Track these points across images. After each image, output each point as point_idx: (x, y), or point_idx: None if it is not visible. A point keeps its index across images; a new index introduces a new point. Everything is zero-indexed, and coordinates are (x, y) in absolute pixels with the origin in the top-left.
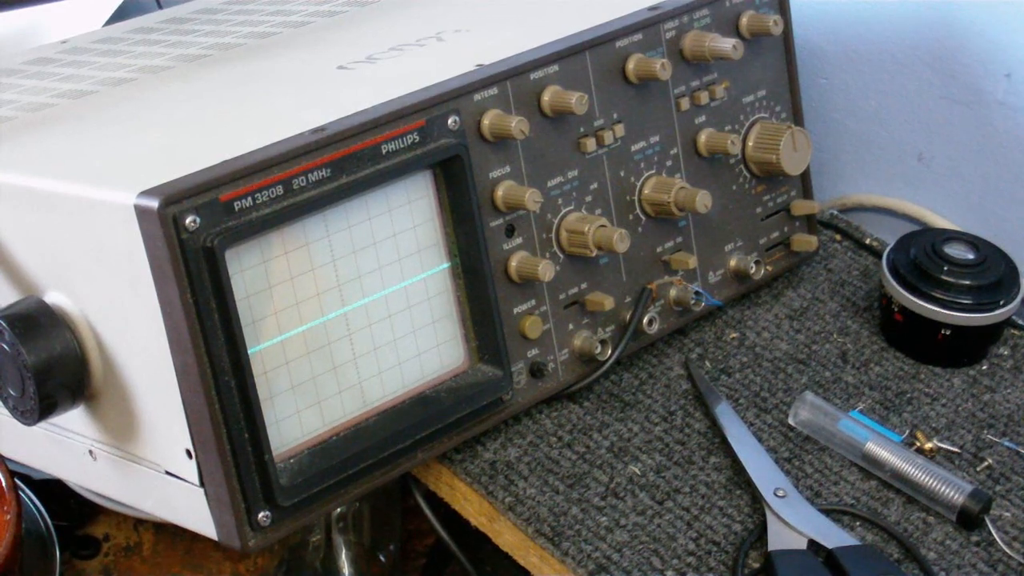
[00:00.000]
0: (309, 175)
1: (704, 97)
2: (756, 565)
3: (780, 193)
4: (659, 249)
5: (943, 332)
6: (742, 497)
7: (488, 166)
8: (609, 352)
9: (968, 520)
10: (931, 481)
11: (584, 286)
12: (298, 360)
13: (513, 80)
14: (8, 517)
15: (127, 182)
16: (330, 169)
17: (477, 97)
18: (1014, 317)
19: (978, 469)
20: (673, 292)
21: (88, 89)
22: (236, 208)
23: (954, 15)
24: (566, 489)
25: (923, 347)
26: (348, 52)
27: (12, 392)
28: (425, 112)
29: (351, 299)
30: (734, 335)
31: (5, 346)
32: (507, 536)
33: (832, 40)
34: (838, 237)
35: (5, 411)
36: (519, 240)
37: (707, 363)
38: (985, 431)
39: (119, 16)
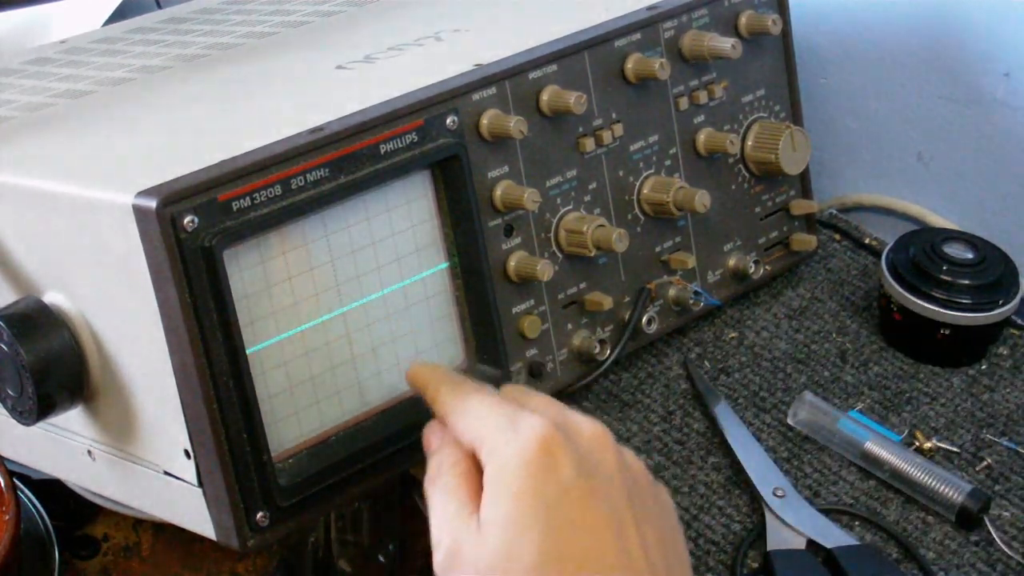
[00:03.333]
0: (307, 175)
1: (703, 97)
2: (755, 565)
3: (779, 193)
4: (658, 249)
5: (942, 332)
6: (741, 497)
7: (487, 166)
8: (608, 352)
9: (967, 520)
10: (930, 481)
11: (583, 286)
12: (296, 360)
13: (512, 80)
14: (7, 517)
15: (125, 182)
16: (328, 169)
17: (476, 97)
18: (1013, 317)
19: (977, 469)
20: (672, 292)
21: (87, 89)
22: (234, 208)
23: (953, 15)
24: None
25: (922, 347)
26: (346, 52)
27: (11, 392)
28: (423, 112)
29: (349, 299)
30: (733, 335)
31: (3, 346)
32: None
33: (832, 40)
34: (837, 237)
35: (4, 411)
36: (518, 240)
37: (706, 363)
38: (984, 431)
39: (118, 16)
